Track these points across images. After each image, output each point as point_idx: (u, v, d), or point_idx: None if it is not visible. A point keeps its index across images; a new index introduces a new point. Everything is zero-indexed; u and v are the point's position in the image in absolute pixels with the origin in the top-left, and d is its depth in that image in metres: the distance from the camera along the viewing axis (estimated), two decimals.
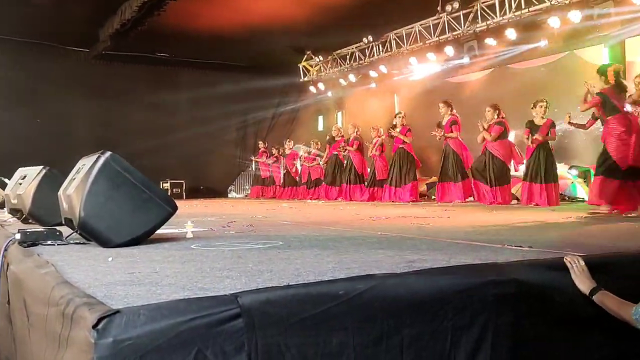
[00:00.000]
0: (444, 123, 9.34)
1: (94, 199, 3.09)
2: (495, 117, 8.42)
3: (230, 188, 16.57)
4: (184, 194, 14.47)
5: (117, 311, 1.53)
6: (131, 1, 10.27)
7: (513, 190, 8.79)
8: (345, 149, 11.46)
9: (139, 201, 3.19)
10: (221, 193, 15.83)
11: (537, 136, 7.65)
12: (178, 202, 10.96)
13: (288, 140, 14.22)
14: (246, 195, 16.24)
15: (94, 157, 3.23)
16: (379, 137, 10.69)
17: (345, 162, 11.61)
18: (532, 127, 7.81)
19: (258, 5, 10.66)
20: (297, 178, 13.61)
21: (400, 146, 10.08)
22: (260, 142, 14.97)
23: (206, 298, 1.71)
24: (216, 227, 4.54)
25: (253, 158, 14.87)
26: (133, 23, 10.88)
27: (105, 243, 3.13)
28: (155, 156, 13.50)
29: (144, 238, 3.28)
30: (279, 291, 1.83)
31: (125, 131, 13.18)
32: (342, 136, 11.95)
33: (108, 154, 3.18)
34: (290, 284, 1.93)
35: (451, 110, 9.35)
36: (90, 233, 3.16)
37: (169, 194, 14.00)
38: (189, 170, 14.71)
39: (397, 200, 9.84)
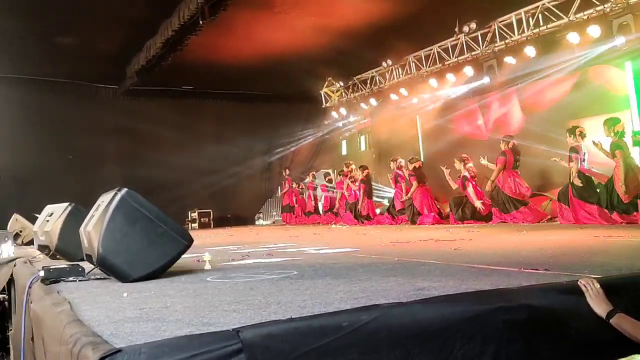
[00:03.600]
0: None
1: (111, 235, 3.17)
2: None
3: (257, 215, 16.69)
4: (212, 222, 14.64)
5: (119, 350, 1.57)
6: (155, 38, 10.61)
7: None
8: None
9: (154, 236, 3.25)
10: (249, 220, 15.96)
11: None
12: (205, 231, 11.11)
13: (313, 171, 14.35)
14: (274, 222, 16.31)
15: (111, 194, 3.32)
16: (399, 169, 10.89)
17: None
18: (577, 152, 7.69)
19: (277, 35, 10.86)
20: (320, 205, 13.71)
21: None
22: (286, 170, 15.08)
23: (208, 334, 1.73)
24: (235, 257, 4.58)
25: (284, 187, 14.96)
26: (158, 59, 11.23)
27: (123, 278, 3.20)
28: (182, 187, 13.77)
29: (161, 271, 3.34)
30: (281, 324, 1.84)
31: (153, 163, 13.45)
32: (350, 171, 12.15)
33: (124, 190, 3.27)
34: (293, 316, 1.94)
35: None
36: (108, 268, 3.23)
37: (197, 223, 14.25)
38: (216, 199, 14.91)
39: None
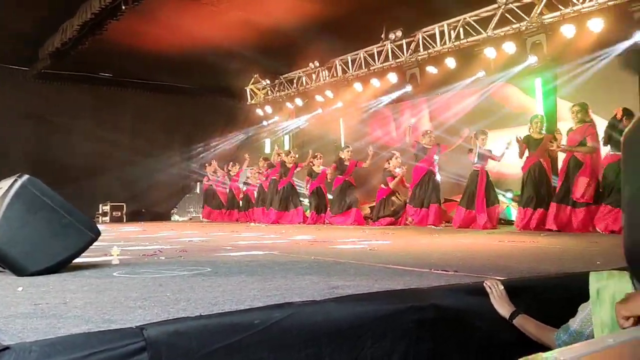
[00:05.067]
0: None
1: (8, 224, 2.93)
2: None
3: (173, 211, 16.20)
4: (125, 217, 14.01)
5: (7, 347, 1.44)
6: (72, 20, 10.02)
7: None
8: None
9: (58, 227, 3.04)
10: (164, 216, 15.44)
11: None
12: (117, 226, 10.63)
13: (232, 163, 14.07)
14: (190, 219, 15.91)
15: (10, 180, 3.07)
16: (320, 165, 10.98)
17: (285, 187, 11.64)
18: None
19: (204, 28, 10.58)
20: (241, 201, 13.51)
21: (346, 180, 10.44)
22: (208, 165, 14.71)
23: (109, 331, 1.62)
24: (147, 253, 4.40)
25: (206, 177, 14.54)
26: (74, 42, 10.61)
27: (19, 271, 2.96)
28: (95, 178, 13.10)
29: (63, 265, 3.13)
30: (189, 322, 1.77)
31: (64, 152, 12.73)
32: (283, 161, 12.01)
33: (25, 177, 3.04)
34: (202, 313, 1.87)
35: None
36: (3, 260, 2.98)
37: (108, 217, 13.61)
38: (131, 192, 14.27)
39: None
